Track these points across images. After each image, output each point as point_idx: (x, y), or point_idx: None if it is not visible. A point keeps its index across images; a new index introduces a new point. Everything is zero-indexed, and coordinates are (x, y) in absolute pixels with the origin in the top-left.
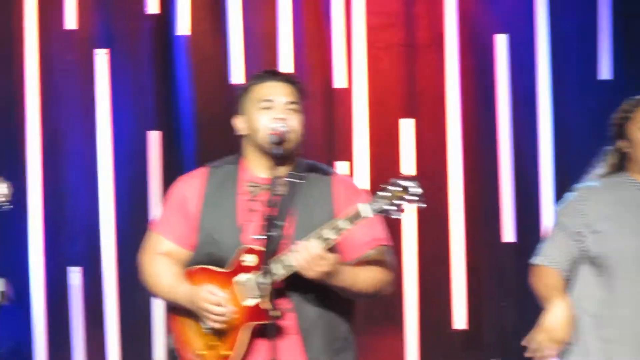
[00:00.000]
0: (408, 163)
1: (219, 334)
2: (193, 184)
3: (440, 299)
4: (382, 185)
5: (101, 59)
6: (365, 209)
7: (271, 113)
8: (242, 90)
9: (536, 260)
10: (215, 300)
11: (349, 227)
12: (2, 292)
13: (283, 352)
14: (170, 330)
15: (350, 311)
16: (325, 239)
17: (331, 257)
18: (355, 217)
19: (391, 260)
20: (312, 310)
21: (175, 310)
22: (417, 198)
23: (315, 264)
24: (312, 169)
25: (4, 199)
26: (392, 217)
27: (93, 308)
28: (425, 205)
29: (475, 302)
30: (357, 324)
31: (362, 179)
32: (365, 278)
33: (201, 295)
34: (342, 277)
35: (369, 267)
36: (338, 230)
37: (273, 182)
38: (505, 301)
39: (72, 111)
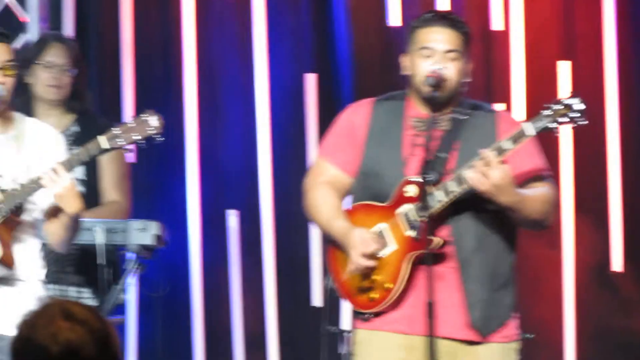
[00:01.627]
0: None
1: (381, 266)
2: (360, 113)
3: (595, 240)
4: (545, 105)
5: (259, 1)
6: (529, 127)
7: (429, 61)
8: (409, 30)
9: None
10: (366, 252)
11: (512, 147)
12: (157, 235)
13: (440, 283)
14: (329, 268)
15: (512, 248)
16: (503, 150)
17: (505, 167)
18: (519, 136)
19: (554, 190)
20: (471, 242)
21: (335, 246)
22: (580, 115)
23: (490, 174)
24: (476, 107)
25: (155, 131)
26: (555, 134)
27: (250, 250)
28: (587, 122)
29: (633, 243)
30: (518, 263)
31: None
32: (534, 202)
33: (355, 240)
34: (513, 195)
35: (536, 191)
36: (501, 151)
37: (437, 118)
38: None
39: (229, 54)
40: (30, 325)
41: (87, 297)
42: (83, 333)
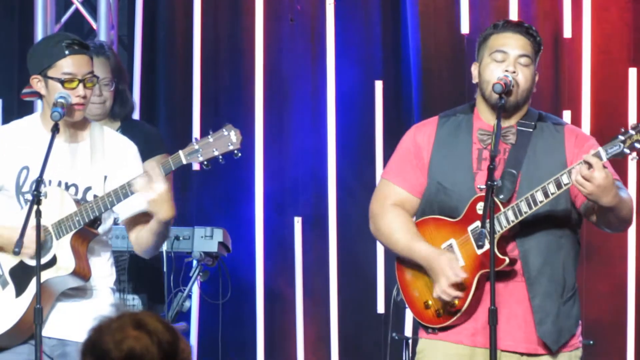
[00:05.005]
0: (634, 112)
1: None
2: (425, 132)
3: None
4: (622, 130)
5: (330, 8)
6: (602, 152)
7: (502, 65)
8: (481, 38)
9: None
10: (455, 280)
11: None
12: (222, 242)
13: (507, 299)
14: (398, 281)
15: (576, 260)
16: (609, 153)
17: (607, 170)
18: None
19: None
20: (538, 259)
21: (404, 261)
22: None
23: (595, 177)
24: (543, 119)
25: (233, 148)
26: (630, 159)
27: (315, 258)
28: None
29: None
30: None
31: (587, 127)
32: (625, 201)
33: (445, 269)
34: (613, 194)
35: (624, 193)
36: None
37: (504, 130)
38: None
39: (299, 60)
40: (100, 330)
41: (136, 303)
42: (149, 343)
